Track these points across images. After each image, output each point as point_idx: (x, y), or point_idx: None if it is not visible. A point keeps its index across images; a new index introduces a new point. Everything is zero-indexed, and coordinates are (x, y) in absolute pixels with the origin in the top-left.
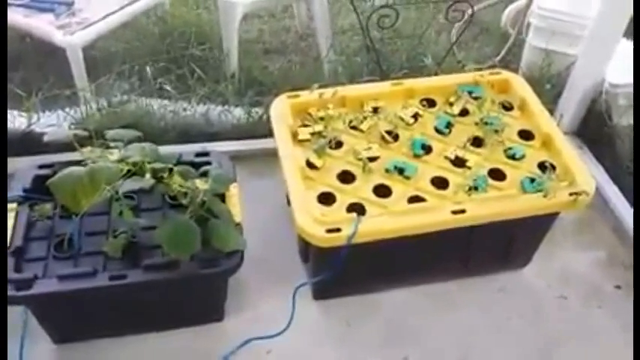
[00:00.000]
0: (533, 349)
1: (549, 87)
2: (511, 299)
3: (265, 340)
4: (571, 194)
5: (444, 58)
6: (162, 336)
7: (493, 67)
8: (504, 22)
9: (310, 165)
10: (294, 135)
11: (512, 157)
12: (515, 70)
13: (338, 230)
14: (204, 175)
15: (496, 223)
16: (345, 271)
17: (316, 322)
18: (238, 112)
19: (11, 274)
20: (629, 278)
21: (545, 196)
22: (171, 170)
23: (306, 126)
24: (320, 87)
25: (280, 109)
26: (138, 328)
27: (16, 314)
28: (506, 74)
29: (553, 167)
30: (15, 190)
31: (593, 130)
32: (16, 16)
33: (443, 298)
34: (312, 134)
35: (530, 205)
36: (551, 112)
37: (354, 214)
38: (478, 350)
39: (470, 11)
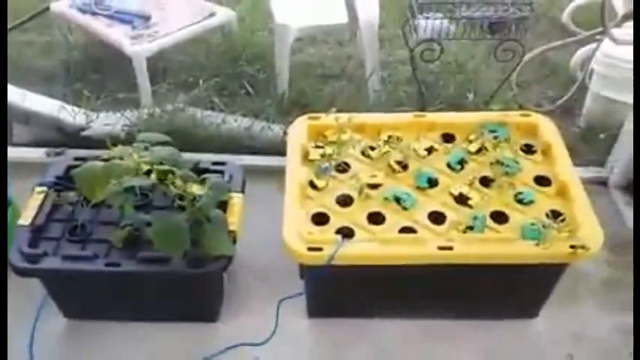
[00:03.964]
0: None
1: (603, 136)
2: (511, 348)
3: (253, 347)
4: (572, 247)
5: (492, 97)
6: (156, 327)
7: (550, 110)
8: (573, 65)
9: (313, 185)
10: (305, 155)
11: (520, 202)
12: (577, 116)
13: (319, 249)
14: (204, 182)
15: (492, 266)
16: (339, 293)
17: (306, 339)
18: (277, 130)
19: (25, 248)
20: None
21: (537, 245)
22: (173, 173)
23: (319, 147)
24: (338, 111)
25: (298, 129)
26: (137, 316)
27: (39, 287)
28: (536, 117)
29: (559, 217)
30: (49, 176)
31: None
32: (99, 25)
33: (439, 336)
34: (323, 156)
35: (522, 252)
36: (603, 163)
37: (338, 236)
38: None
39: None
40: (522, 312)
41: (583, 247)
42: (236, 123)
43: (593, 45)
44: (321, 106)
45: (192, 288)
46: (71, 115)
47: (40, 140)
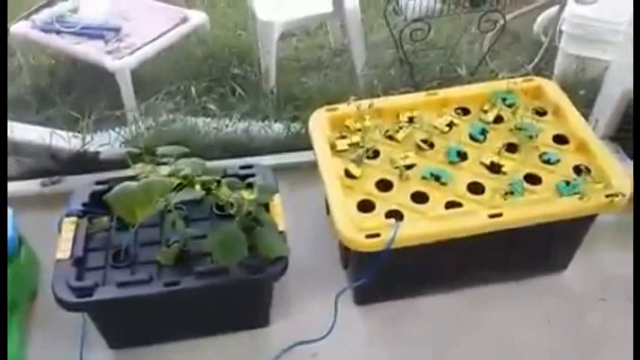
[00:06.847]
0: (574, 351)
1: (583, 93)
2: (551, 302)
3: (310, 344)
4: (607, 196)
5: (477, 68)
6: (210, 341)
7: (526, 74)
8: (536, 30)
9: (349, 174)
10: (333, 146)
11: (548, 162)
12: (549, 77)
13: (377, 235)
14: (250, 186)
15: (534, 226)
16: (384, 276)
17: (360, 326)
18: (277, 127)
19: (73, 282)
20: None
21: (581, 199)
22: (219, 182)
23: (343, 137)
24: (356, 100)
25: (319, 122)
26: (189, 333)
27: (75, 320)
28: (538, 80)
29: (588, 170)
30: (74, 205)
31: (629, 134)
32: (67, 43)
33: (483, 301)
34: (350, 145)
35: (567, 207)
36: (586, 117)
37: (393, 220)
38: (519, 351)
39: (502, 21)
40: (557, 265)
41: (618, 194)
42: (234, 126)
43: (553, 9)
44: (314, 98)
45: (250, 295)
46: (65, 140)
47: (27, 172)
